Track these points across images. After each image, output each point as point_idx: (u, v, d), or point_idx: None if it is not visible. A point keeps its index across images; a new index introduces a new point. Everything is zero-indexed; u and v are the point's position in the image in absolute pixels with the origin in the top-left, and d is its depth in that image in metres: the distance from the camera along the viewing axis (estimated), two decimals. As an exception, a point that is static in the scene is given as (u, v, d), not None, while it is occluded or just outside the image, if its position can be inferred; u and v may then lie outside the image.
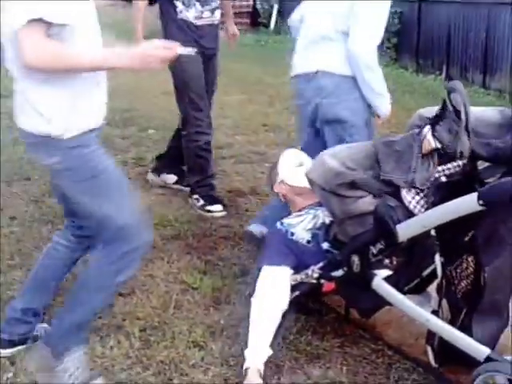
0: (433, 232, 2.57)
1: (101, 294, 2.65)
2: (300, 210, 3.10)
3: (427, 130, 2.53)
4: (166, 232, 4.12)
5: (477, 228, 2.57)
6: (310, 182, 2.78)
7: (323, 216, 2.98)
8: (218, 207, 4.47)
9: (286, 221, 3.04)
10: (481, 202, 2.31)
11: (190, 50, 2.69)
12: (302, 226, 2.99)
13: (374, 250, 2.70)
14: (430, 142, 2.51)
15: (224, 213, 4.48)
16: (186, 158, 4.60)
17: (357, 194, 2.67)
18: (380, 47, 3.39)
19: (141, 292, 3.40)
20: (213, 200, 4.51)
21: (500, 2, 8.19)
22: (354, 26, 3.24)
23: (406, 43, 10.26)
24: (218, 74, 4.72)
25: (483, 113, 2.67)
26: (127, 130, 6.57)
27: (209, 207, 4.48)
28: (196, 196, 4.56)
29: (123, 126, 6.72)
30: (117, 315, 3.20)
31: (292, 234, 2.97)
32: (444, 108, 2.49)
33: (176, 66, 4.12)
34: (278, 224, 3.04)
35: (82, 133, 2.44)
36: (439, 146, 2.50)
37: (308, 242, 2.95)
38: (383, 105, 3.43)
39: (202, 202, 4.52)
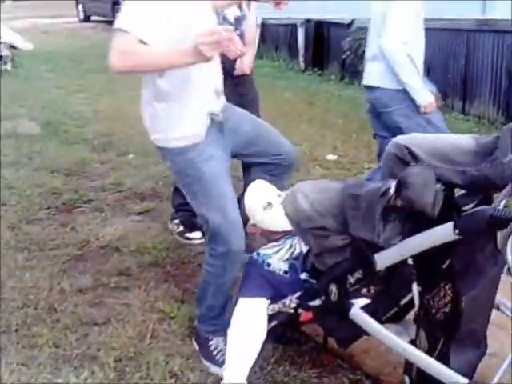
0: (410, 261, 2.55)
1: (212, 287, 2.98)
2: (277, 240, 3.06)
3: (393, 189, 2.48)
4: (144, 259, 4.07)
5: (454, 256, 2.56)
6: (286, 214, 2.77)
7: (300, 245, 2.95)
8: (197, 234, 4.43)
9: (262, 251, 3.00)
10: (457, 231, 2.31)
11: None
12: (278, 256, 2.96)
13: (351, 279, 2.68)
14: (396, 203, 2.46)
15: (203, 240, 4.44)
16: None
17: (331, 233, 2.65)
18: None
19: (116, 321, 3.36)
20: (193, 227, 4.48)
21: (479, 29, 8.30)
22: (383, 27, 3.83)
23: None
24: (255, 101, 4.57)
25: (458, 140, 2.67)
26: (106, 155, 6.52)
27: (188, 234, 4.45)
28: (176, 221, 4.53)
29: (102, 150, 6.68)
30: (91, 345, 3.15)
31: (268, 264, 2.93)
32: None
33: None
34: (255, 255, 3.00)
35: (185, 141, 2.80)
36: (405, 204, 2.44)
37: (285, 272, 2.91)
38: (417, 96, 3.92)
39: (181, 228, 4.48)
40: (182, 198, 4.54)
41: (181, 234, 4.48)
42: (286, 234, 3.05)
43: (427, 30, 3.94)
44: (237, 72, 4.49)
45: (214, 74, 2.91)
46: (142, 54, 2.54)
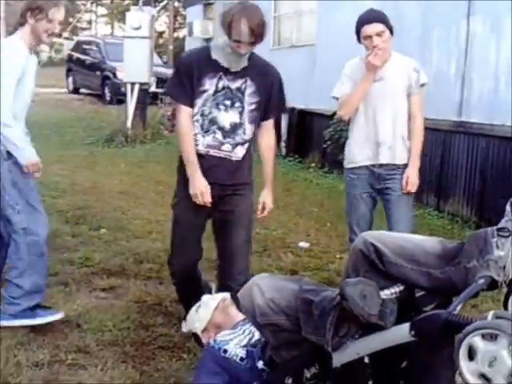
0: (366, 359, 2.54)
1: None
2: (234, 326, 3.04)
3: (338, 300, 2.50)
4: (104, 337, 3.99)
5: (411, 357, 2.55)
6: (243, 306, 2.78)
7: (258, 333, 2.93)
8: None
9: (219, 337, 2.98)
10: (412, 332, 2.32)
11: None
12: (235, 342, 2.93)
13: (308, 373, 2.66)
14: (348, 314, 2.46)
15: None
16: None
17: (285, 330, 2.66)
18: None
19: (67, 400, 3.28)
20: None
21: (456, 131, 8.48)
22: None
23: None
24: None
25: (425, 242, 2.71)
26: (78, 228, 6.49)
27: None
28: None
29: (75, 223, 6.65)
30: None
31: (225, 351, 2.90)
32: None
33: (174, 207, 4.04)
34: (212, 341, 2.97)
35: None
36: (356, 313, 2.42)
37: (242, 359, 2.87)
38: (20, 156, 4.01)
39: None
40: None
41: None
42: (242, 321, 3.03)
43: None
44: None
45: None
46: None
